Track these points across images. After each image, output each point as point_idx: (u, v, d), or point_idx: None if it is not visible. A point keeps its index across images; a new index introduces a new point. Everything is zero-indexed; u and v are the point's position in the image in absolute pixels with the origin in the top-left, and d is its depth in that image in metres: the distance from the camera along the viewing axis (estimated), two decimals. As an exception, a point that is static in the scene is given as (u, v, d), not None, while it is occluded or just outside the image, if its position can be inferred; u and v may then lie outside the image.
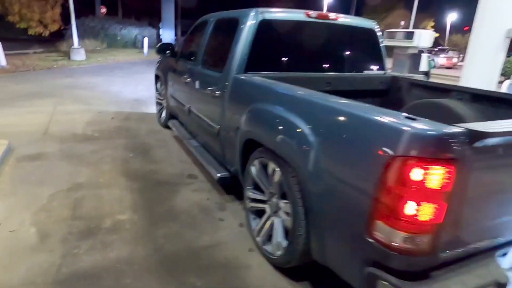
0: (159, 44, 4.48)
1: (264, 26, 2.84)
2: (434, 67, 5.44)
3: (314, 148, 1.74)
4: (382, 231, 1.38)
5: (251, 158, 2.44)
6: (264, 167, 2.29)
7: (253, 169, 2.43)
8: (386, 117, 1.43)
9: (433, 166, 1.25)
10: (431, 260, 1.41)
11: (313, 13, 3.08)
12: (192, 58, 3.78)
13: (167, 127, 4.97)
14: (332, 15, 3.16)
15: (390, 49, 5.67)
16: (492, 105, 2.58)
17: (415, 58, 5.42)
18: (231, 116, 2.74)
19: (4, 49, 10.98)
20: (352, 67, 3.38)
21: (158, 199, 3.11)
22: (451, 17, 39.83)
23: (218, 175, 3.00)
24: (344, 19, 3.24)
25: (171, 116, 4.88)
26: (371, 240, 1.43)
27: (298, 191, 1.90)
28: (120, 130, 5.09)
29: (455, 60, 24.03)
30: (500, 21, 4.09)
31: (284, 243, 2.11)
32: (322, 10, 24.94)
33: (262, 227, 2.37)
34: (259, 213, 2.44)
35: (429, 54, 5.35)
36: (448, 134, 1.26)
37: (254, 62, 2.82)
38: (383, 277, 1.41)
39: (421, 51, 5.24)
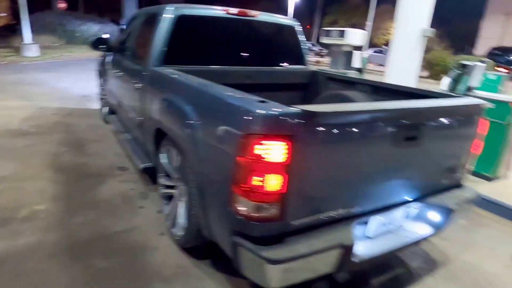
0: (92, 38, 4.49)
1: (182, 21, 2.96)
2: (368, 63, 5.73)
3: (195, 130, 1.89)
4: (238, 202, 1.55)
5: (161, 147, 2.56)
6: (170, 154, 2.42)
7: (162, 157, 2.55)
8: (241, 101, 1.60)
9: (273, 142, 1.43)
10: (283, 227, 1.59)
11: (233, 10, 3.23)
12: (123, 52, 3.84)
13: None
14: (252, 13, 3.33)
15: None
16: (389, 95, 2.85)
17: (349, 55, 5.76)
18: (148, 108, 2.85)
19: None
20: (273, 61, 3.58)
21: (81, 190, 3.16)
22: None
23: (142, 165, 3.09)
24: (264, 16, 3.42)
25: (112, 111, 4.89)
26: (232, 211, 1.59)
27: (189, 173, 2.05)
28: (59, 126, 5.04)
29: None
30: (416, 21, 4.45)
31: (185, 224, 2.25)
32: (287, 10, 25.29)
33: (170, 212, 2.50)
34: (170, 198, 2.57)
35: (361, 52, 5.69)
36: (285, 114, 1.45)
37: (172, 55, 2.93)
38: (241, 243, 1.58)
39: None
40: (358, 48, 5.70)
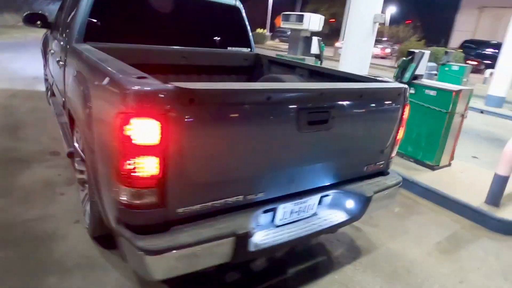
0: (26, 13, 4.16)
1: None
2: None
3: (87, 109, 1.74)
4: (117, 188, 1.41)
5: (73, 128, 2.38)
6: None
7: (75, 139, 2.38)
8: (119, 77, 1.45)
9: (143, 121, 1.30)
10: (167, 215, 1.47)
11: (167, -15, 3.04)
12: (56, 29, 3.58)
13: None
14: (190, -10, 3.15)
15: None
16: (324, 80, 2.75)
17: (308, 41, 5.65)
18: (68, 87, 2.65)
19: None
20: (214, 43, 3.41)
21: (0, 176, 2.95)
22: (391, 10, 41.88)
23: (68, 149, 2.90)
24: (204, -6, 3.25)
25: (52, 92, 4.61)
26: (114, 198, 1.46)
27: (87, 158, 1.89)
28: (-3, 108, 4.73)
29: (388, 50, 25.42)
30: (369, 7, 4.36)
31: (89, 211, 2.10)
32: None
33: (83, 198, 2.34)
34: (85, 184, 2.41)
35: (319, 38, 5.59)
36: (155, 91, 1.31)
37: (95, 32, 2.72)
38: (121, 232, 1.45)
39: (320, 42, 5.35)
40: (316, 34, 5.59)
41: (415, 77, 3.85)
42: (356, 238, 2.62)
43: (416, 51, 3.82)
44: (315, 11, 35.96)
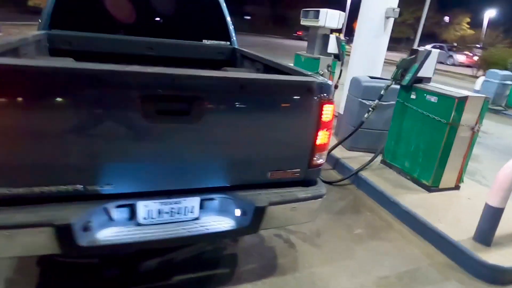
0: None
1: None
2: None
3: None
4: None
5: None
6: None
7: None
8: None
9: None
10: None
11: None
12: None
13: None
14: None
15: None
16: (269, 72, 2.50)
17: (326, 39, 5.20)
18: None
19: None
20: (188, 35, 3.33)
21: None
22: (489, 13, 37.15)
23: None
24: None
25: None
26: None
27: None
28: None
29: (476, 58, 22.54)
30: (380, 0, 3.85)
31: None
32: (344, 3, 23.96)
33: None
34: None
35: (339, 36, 5.10)
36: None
37: (61, 20, 2.87)
38: None
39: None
40: (337, 31, 5.13)
41: (419, 80, 3.26)
42: (282, 255, 2.30)
43: (421, 49, 3.23)
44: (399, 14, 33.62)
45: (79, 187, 1.54)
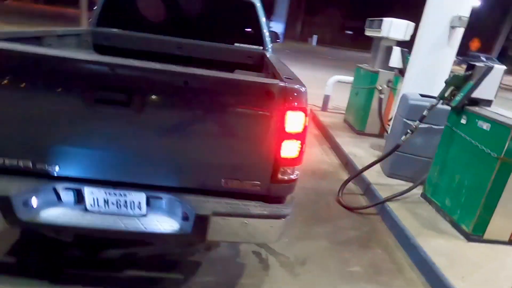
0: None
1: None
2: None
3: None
4: None
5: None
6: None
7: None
8: None
9: None
10: None
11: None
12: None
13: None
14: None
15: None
16: None
17: (389, 51, 4.61)
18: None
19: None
20: (221, 37, 3.35)
21: None
22: None
23: None
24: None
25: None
26: None
27: None
28: None
29: None
30: (446, 6, 3.28)
31: None
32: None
33: None
34: None
35: (406, 49, 4.47)
36: None
37: (108, 18, 3.19)
38: None
39: (404, 53, 4.16)
40: (404, 43, 4.54)
41: (475, 101, 2.65)
42: (248, 275, 2.08)
43: (480, 64, 2.62)
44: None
45: (31, 164, 1.64)
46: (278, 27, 25.78)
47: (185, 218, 1.72)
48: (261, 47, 3.37)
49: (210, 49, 3.30)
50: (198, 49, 3.27)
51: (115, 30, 3.24)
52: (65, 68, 1.54)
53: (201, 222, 1.67)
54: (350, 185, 3.50)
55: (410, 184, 3.12)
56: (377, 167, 3.62)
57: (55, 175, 1.67)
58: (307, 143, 1.74)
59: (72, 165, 1.67)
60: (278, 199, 1.81)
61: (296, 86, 1.64)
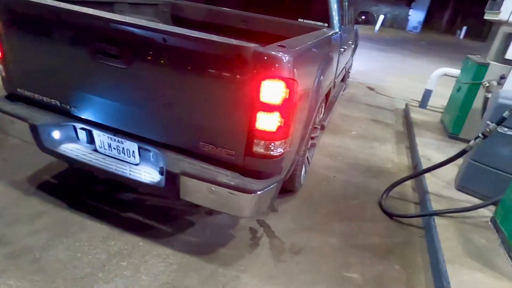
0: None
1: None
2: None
3: None
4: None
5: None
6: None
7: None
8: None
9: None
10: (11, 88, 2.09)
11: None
12: None
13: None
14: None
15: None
16: None
17: (508, 40, 3.52)
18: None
19: None
20: (285, 12, 3.24)
21: None
22: None
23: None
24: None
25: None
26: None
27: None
28: None
29: None
30: None
31: None
32: None
33: None
34: None
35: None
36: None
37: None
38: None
39: None
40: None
41: None
42: (231, 247, 2.07)
43: None
44: None
45: (60, 103, 1.99)
46: (417, 15, 23.03)
47: (161, 172, 1.81)
48: (326, 24, 3.12)
49: (269, 23, 3.25)
50: (258, 23, 3.27)
51: (189, 3, 3.49)
52: (74, 20, 1.77)
53: (171, 179, 1.74)
54: (408, 190, 3.01)
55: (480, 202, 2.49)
56: (451, 176, 3.00)
57: (74, 114, 1.97)
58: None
59: (85, 108, 1.94)
60: (257, 174, 1.73)
61: (274, 53, 1.50)
